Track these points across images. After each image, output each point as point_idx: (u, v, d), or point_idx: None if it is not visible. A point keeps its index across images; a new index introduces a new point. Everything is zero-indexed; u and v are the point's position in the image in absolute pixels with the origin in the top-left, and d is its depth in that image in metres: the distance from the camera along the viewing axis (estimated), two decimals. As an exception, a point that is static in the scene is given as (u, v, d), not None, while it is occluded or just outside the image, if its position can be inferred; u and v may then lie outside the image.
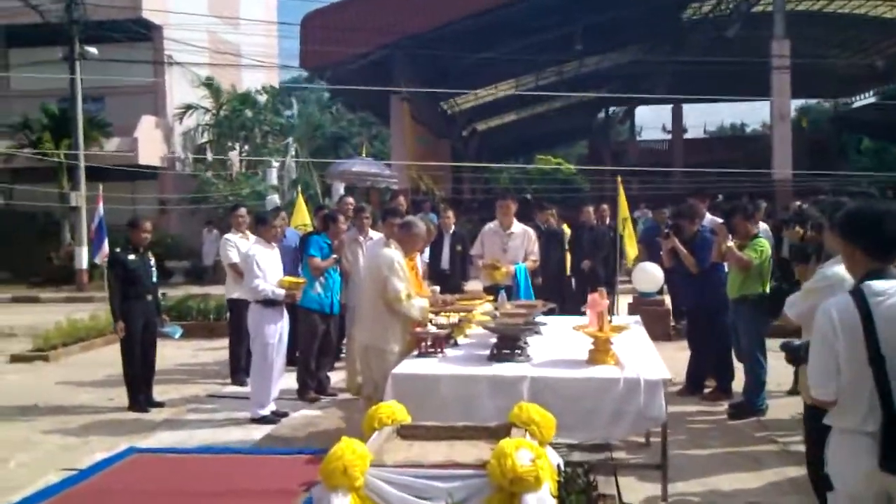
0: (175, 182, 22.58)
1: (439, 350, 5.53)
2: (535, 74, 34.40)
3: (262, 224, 7.54)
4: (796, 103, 42.02)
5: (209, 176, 21.01)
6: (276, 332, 7.27)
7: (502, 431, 4.13)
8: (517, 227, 8.06)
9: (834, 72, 37.80)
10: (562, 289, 10.95)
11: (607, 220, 11.81)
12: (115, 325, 7.74)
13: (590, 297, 5.40)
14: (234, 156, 23.15)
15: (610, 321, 5.41)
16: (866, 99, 44.37)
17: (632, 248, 11.87)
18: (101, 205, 12.85)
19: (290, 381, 8.04)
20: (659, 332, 10.13)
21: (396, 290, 5.68)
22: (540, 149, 51.62)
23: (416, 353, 5.57)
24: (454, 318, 6.19)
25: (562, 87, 36.06)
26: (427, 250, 10.45)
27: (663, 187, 27.03)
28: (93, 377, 9.38)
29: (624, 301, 12.11)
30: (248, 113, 22.94)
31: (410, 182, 22.20)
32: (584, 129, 47.85)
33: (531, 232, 8.11)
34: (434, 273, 10.75)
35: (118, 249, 8.08)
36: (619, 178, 12.00)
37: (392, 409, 4.38)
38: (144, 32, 21.74)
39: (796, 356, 3.45)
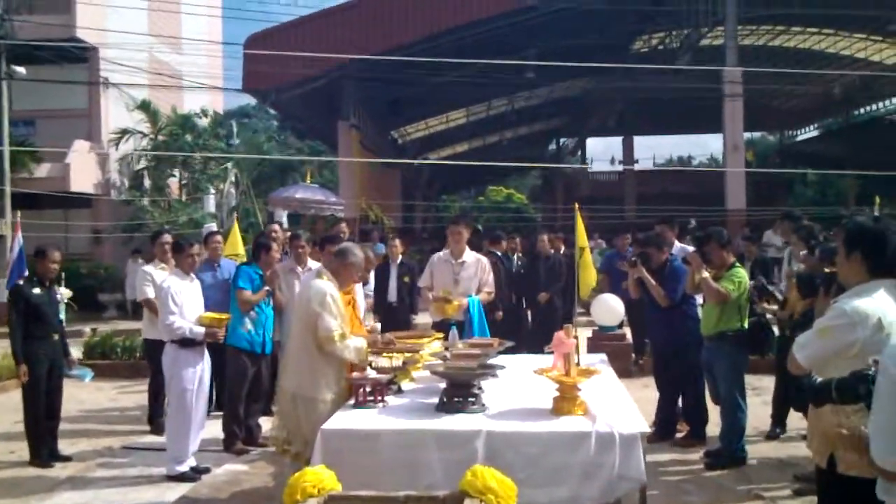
0: (110, 210, 21.41)
1: (380, 399, 4.74)
2: (486, 104, 34.00)
3: (177, 252, 6.65)
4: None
5: (145, 203, 19.91)
6: (194, 375, 6.37)
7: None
8: (470, 255, 7.30)
9: (780, 107, 38.28)
10: (517, 324, 10.29)
11: (562, 249, 11.20)
12: (18, 369, 6.78)
13: (555, 336, 4.67)
14: (172, 182, 22.10)
15: (577, 364, 4.68)
16: (809, 132, 45.09)
17: (589, 278, 11.23)
18: (19, 234, 11.77)
19: (215, 429, 7.15)
20: (620, 368, 9.38)
21: (329, 328, 4.90)
22: (492, 180, 51.49)
23: (352, 402, 4.77)
24: (398, 360, 5.41)
25: (512, 118, 35.77)
26: (372, 282, 9.69)
27: (617, 217, 26.68)
28: (-3, 425, 8.35)
29: (582, 335, 11.44)
30: (188, 138, 21.93)
31: (359, 211, 21.40)
32: (535, 159, 47.63)
33: (485, 261, 7.37)
34: (381, 306, 9.97)
35: (20, 282, 7.12)
36: (577, 205, 11.39)
37: (319, 477, 3.56)
38: (78, 53, 20.68)
39: (822, 397, 2.85)
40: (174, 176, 22.19)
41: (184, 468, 6.31)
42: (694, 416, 6.96)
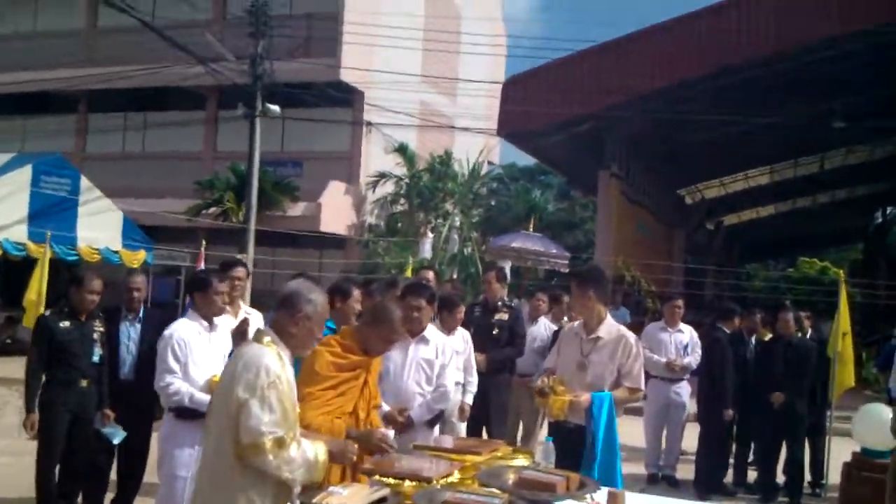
0: (361, 252, 21.08)
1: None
2: (794, 162, 29.75)
3: (197, 288, 5.01)
4: None
5: (377, 245, 19.21)
6: (191, 460, 4.65)
7: None
8: (610, 327, 4.86)
9: None
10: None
11: (808, 332, 8.18)
12: (26, 419, 5.56)
13: None
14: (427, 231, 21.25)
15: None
16: None
17: (847, 376, 8.06)
18: (201, 264, 11.17)
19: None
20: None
21: (255, 427, 2.96)
22: (804, 250, 45.67)
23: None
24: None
25: (826, 178, 30.98)
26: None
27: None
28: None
29: (838, 451, 8.26)
30: (449, 185, 21.03)
31: (614, 270, 18.95)
32: (856, 230, 41.38)
33: (631, 339, 4.83)
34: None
35: (47, 312, 5.93)
36: (842, 275, 8.30)
37: None
38: (341, 96, 20.72)
39: None
40: (430, 222, 21.40)
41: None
42: None
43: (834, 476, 8.11)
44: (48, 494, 5.58)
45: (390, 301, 4.05)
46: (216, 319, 4.98)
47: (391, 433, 3.75)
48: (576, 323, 5.03)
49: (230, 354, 4.88)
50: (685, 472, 8.73)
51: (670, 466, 8.78)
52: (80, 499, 5.92)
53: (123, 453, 5.96)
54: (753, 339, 8.47)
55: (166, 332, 4.85)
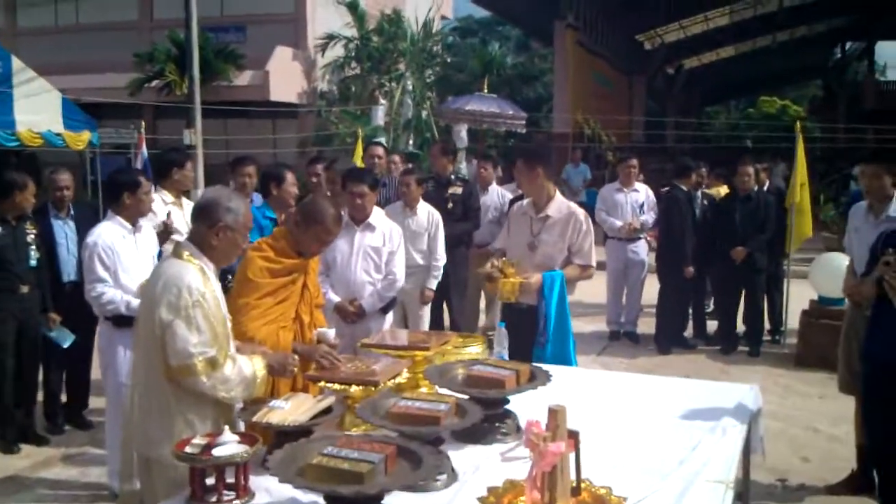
0: (315, 122, 20.42)
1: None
2: (753, 0, 29.01)
3: (127, 189, 4.57)
4: None
5: (330, 114, 18.55)
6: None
7: None
8: (559, 205, 4.63)
9: None
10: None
11: (766, 185, 8.13)
12: None
13: (526, 426, 2.19)
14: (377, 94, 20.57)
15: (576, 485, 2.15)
16: None
17: (804, 227, 8.07)
18: (143, 148, 10.63)
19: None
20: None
21: (184, 349, 2.80)
22: (763, 90, 45.39)
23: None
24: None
25: (784, 16, 30.34)
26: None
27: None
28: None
29: (797, 294, 8.40)
30: (401, 45, 20.14)
31: (573, 125, 18.67)
32: (816, 67, 41.06)
33: (581, 214, 4.60)
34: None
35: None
36: (799, 125, 8.14)
37: None
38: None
39: None
40: (384, 85, 20.66)
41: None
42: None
43: (793, 321, 8.28)
44: (4, 407, 5.46)
45: (320, 198, 3.80)
46: (141, 220, 4.70)
47: (336, 339, 3.58)
48: (524, 202, 4.84)
49: (158, 255, 4.68)
50: (646, 327, 8.84)
51: (631, 322, 8.89)
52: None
53: (71, 358, 5.82)
54: (700, 194, 8.40)
55: (89, 240, 4.53)
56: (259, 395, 3.03)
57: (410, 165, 7.53)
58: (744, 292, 8.10)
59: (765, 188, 8.42)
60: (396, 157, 7.39)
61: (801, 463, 5.30)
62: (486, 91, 12.54)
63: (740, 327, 8.39)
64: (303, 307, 3.59)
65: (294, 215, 3.60)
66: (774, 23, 31.52)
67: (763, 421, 3.73)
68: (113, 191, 4.65)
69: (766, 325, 8.59)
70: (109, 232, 4.54)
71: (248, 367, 2.97)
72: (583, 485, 2.29)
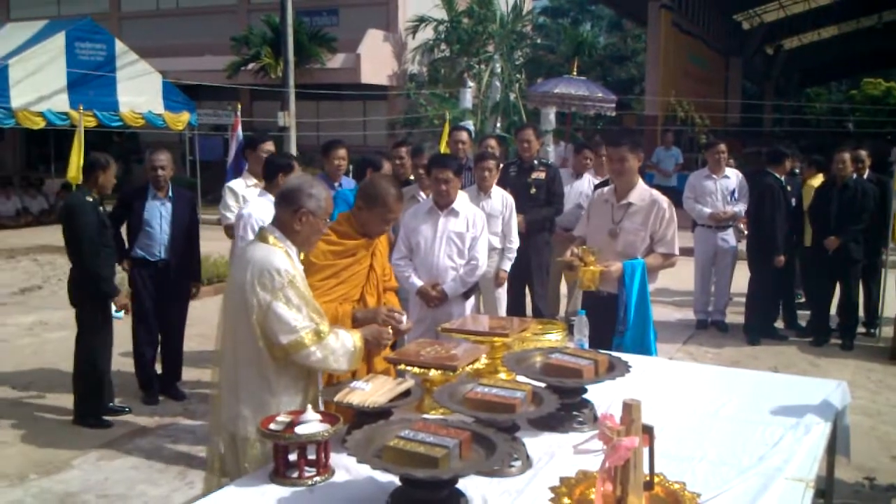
0: (404, 103, 20.59)
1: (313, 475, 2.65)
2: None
3: (278, 170, 5.16)
4: None
5: (419, 96, 18.63)
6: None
7: None
8: (642, 192, 4.60)
9: None
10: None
11: (866, 173, 7.80)
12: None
13: (601, 418, 2.20)
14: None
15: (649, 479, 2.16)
16: None
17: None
18: (238, 130, 10.96)
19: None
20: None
21: (290, 326, 2.96)
22: (867, 71, 43.36)
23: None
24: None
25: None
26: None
27: None
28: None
29: (894, 295, 8.10)
30: (491, 27, 20.06)
31: (665, 108, 18.29)
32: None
33: (664, 203, 4.55)
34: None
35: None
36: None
37: None
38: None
39: None
40: (472, 67, 20.64)
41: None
42: None
43: (890, 313, 7.96)
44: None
45: (379, 178, 3.87)
46: None
47: (402, 315, 3.63)
48: (606, 189, 4.80)
49: None
50: (735, 317, 8.65)
51: (719, 311, 8.70)
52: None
53: (166, 332, 6.18)
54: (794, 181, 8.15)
55: (244, 212, 5.06)
56: (356, 367, 3.15)
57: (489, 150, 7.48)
58: (838, 284, 7.85)
59: (865, 176, 8.10)
60: (492, 141, 7.35)
61: (891, 462, 5.13)
62: (575, 73, 12.39)
63: (834, 319, 8.13)
64: (368, 288, 3.66)
65: (357, 199, 3.68)
66: (881, 0, 30.09)
67: (850, 418, 3.63)
68: (270, 171, 5.19)
69: (861, 317, 8.30)
70: (261, 206, 4.96)
71: (349, 339, 3.11)
72: (656, 479, 2.29)
